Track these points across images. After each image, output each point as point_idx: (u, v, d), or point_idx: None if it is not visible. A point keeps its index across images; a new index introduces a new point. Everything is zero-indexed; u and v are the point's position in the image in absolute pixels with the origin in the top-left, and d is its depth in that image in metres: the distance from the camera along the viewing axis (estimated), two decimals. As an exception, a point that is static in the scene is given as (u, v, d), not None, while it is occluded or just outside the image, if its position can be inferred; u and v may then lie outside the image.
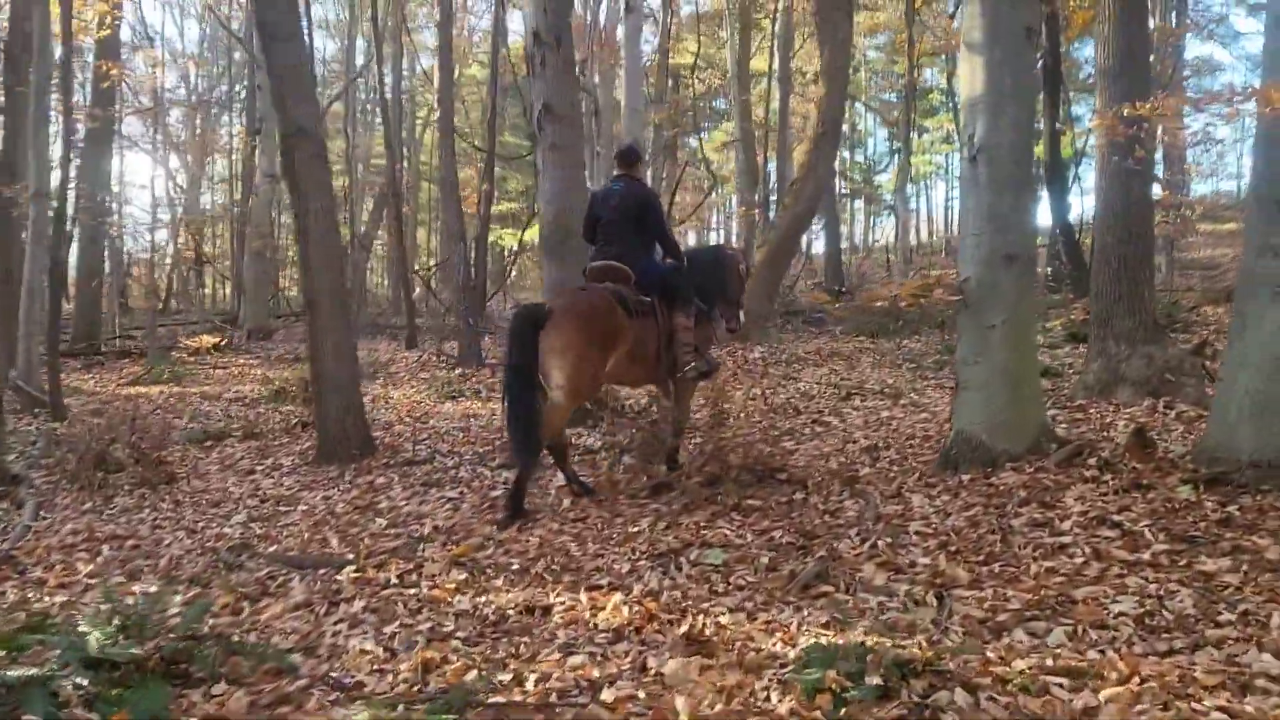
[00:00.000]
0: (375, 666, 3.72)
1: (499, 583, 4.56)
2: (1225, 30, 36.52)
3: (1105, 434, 6.71)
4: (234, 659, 3.65)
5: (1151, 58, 17.97)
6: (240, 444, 8.25)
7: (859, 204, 45.03)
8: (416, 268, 25.98)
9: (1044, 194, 16.55)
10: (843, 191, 42.87)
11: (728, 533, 5.04)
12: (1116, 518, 4.74)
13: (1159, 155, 25.89)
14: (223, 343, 16.84)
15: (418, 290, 23.90)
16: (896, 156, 40.39)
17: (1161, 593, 3.89)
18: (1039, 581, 4.09)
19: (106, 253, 21.52)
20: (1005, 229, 5.59)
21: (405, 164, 28.01)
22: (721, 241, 38.06)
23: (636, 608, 4.11)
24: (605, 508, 5.68)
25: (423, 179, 32.00)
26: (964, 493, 5.30)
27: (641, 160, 7.12)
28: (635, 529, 5.23)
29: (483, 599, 4.37)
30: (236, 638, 3.93)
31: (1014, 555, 4.44)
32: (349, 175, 30.83)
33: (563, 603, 4.26)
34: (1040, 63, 17.21)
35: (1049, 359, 10.77)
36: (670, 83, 34.36)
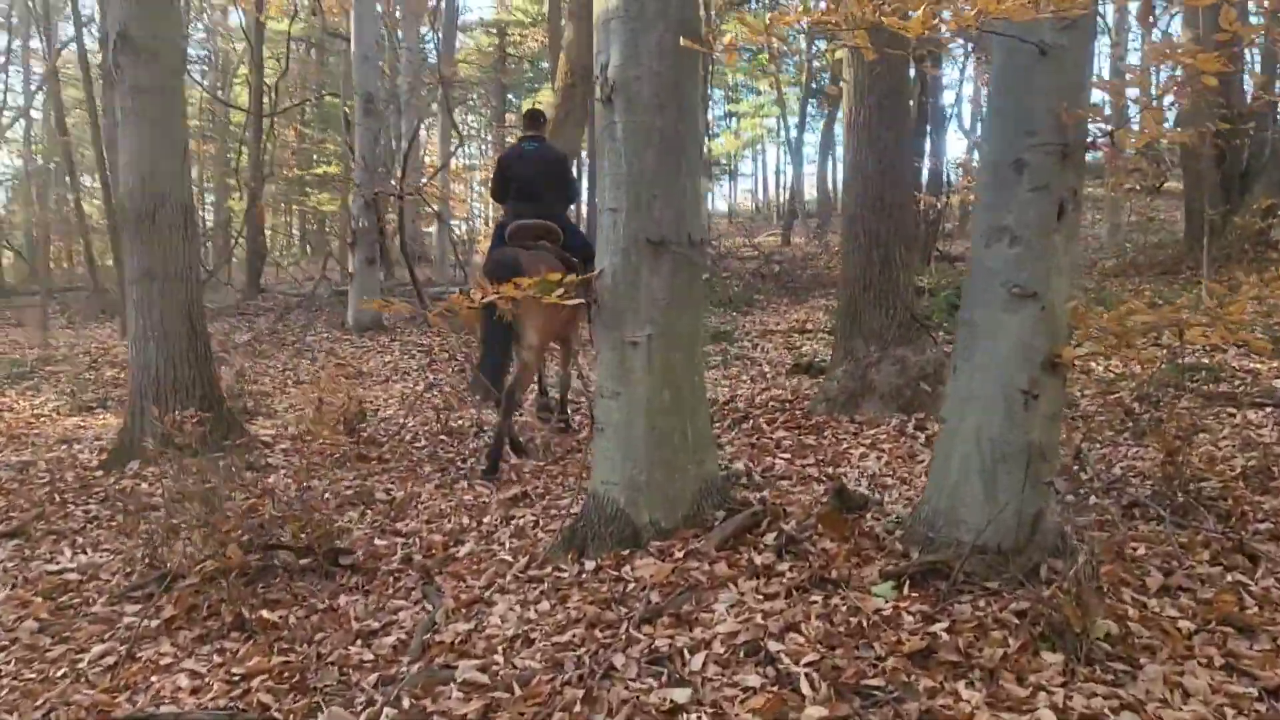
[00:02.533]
0: None
1: None
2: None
3: (833, 470, 5.13)
4: None
5: None
6: None
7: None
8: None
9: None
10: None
11: (183, 687, 3.19)
12: (775, 647, 3.09)
13: (957, 108, 24.91)
14: None
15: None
16: (732, 121, 39.17)
17: None
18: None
19: None
20: (650, 204, 3.86)
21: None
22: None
23: None
24: (58, 620, 3.77)
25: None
26: (575, 595, 3.56)
27: (547, 121, 7.58)
28: (51, 675, 3.34)
29: None
30: None
31: (592, 737, 2.73)
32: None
33: None
34: None
35: (817, 347, 9.26)
36: (499, 40, 32.06)
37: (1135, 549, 3.72)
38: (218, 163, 26.41)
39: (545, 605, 3.51)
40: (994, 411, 3.48)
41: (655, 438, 3.88)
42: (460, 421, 6.81)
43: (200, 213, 25.34)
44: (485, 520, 4.64)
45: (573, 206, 6.79)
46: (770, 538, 3.80)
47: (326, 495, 5.12)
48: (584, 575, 3.71)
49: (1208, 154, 13.43)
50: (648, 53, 3.80)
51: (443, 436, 6.46)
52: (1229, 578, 3.46)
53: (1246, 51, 14.34)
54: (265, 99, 17.03)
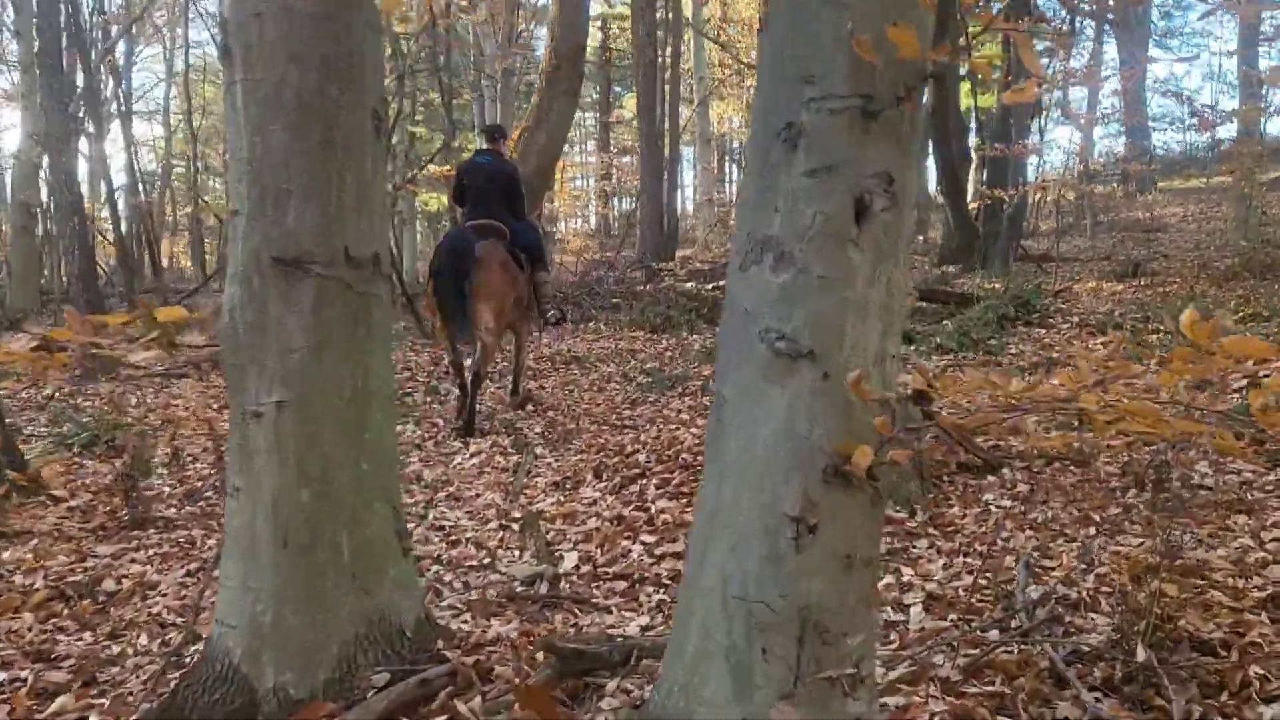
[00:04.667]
0: None
1: None
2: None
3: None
4: None
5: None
6: None
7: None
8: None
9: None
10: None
11: None
12: None
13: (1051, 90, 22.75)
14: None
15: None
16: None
17: None
18: None
19: None
20: (281, 203, 2.56)
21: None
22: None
23: None
24: None
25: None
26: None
27: (507, 137, 8.37)
28: None
29: None
30: None
31: None
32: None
33: None
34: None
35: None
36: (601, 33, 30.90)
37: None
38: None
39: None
40: (747, 549, 2.07)
41: (289, 558, 2.57)
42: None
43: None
44: (176, 638, 3.41)
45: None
46: (441, 724, 2.45)
47: (36, 586, 3.97)
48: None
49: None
50: (279, -15, 2.50)
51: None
52: None
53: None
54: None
